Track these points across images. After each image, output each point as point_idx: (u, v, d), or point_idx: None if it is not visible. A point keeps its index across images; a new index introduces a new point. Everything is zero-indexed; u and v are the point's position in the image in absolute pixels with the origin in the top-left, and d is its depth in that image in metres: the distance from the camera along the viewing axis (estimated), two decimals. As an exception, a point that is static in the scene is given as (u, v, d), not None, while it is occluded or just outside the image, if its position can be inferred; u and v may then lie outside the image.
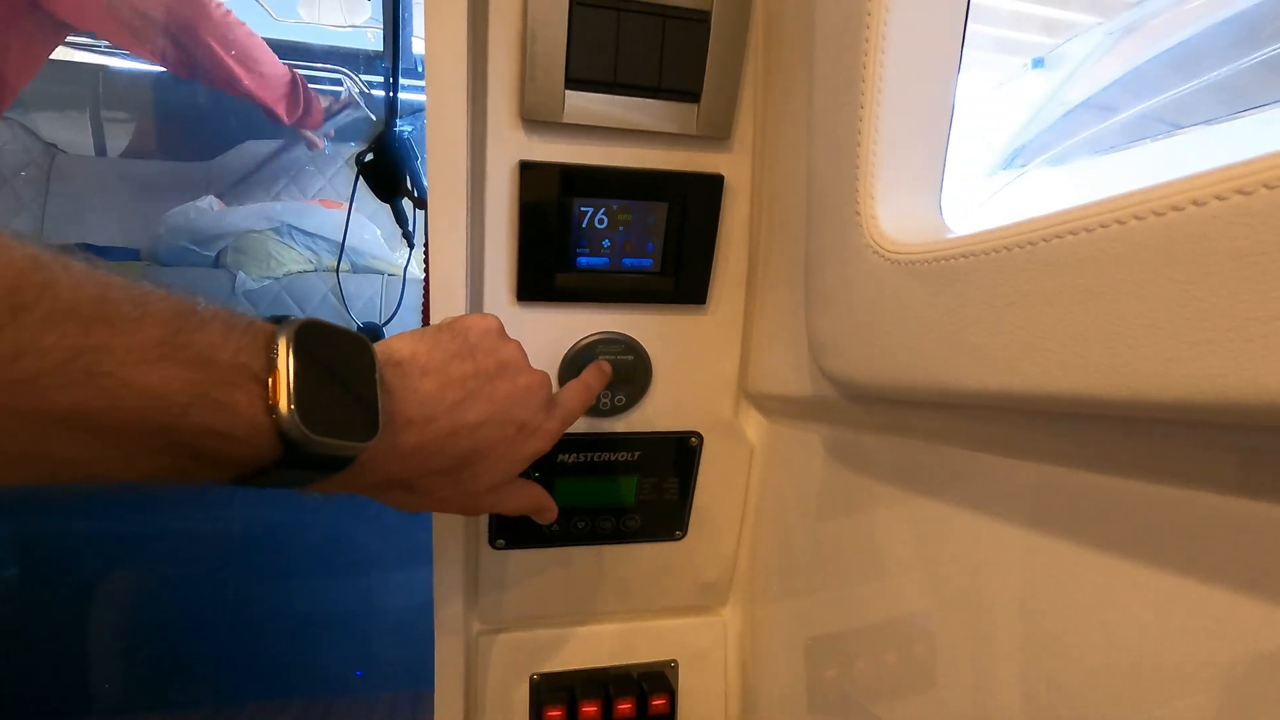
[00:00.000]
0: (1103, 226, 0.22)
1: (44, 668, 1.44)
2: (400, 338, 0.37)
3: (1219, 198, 0.18)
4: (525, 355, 0.40)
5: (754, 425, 0.56)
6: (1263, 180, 0.17)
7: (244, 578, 1.53)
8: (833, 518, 0.48)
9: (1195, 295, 0.19)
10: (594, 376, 0.47)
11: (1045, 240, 0.24)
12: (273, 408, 0.27)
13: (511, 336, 0.41)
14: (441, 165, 0.42)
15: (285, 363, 0.28)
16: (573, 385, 0.45)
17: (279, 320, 0.30)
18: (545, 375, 0.40)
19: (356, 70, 2.02)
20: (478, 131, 0.44)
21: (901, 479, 0.40)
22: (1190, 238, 0.19)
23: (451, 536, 0.52)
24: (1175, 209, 0.19)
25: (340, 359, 0.31)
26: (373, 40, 2.16)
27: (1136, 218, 0.21)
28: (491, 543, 0.54)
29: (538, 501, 0.44)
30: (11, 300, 0.21)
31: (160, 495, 1.47)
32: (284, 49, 2.02)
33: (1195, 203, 0.19)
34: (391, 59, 0.72)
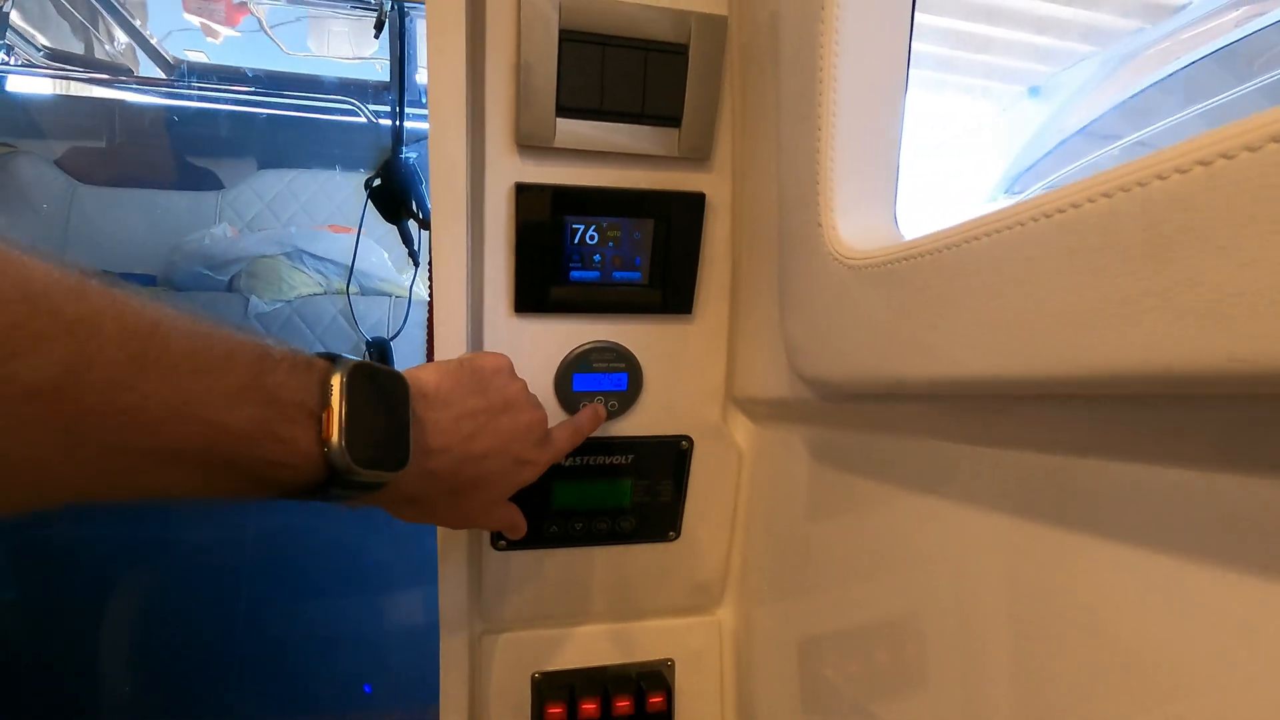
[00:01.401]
0: (1020, 225, 0.24)
1: (50, 681, 1.44)
2: (426, 369, 0.41)
3: (1105, 195, 0.21)
4: (528, 393, 0.45)
5: (741, 430, 0.58)
6: (1156, 172, 0.19)
7: (253, 589, 1.54)
8: (818, 517, 0.49)
9: (1104, 279, 0.22)
10: (587, 419, 0.50)
11: (975, 239, 0.27)
12: (325, 441, 0.31)
13: (511, 344, 0.44)
14: (443, 188, 0.45)
15: (338, 402, 0.32)
16: (565, 425, 0.48)
17: (333, 359, 0.34)
18: (543, 413, 0.45)
19: (365, 100, 2.09)
20: (476, 156, 0.47)
21: (881, 475, 0.42)
22: (1086, 230, 0.22)
23: (455, 538, 0.54)
24: (1074, 205, 0.22)
25: (381, 396, 0.35)
26: (380, 72, 2.22)
27: (1045, 215, 0.23)
28: (493, 544, 0.56)
29: (512, 520, 0.48)
30: (138, 360, 0.25)
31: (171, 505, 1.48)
32: (295, 81, 2.09)
33: (1090, 199, 0.21)
34: (398, 90, 0.75)
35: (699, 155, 0.49)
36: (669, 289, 0.52)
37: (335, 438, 0.31)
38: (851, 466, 0.44)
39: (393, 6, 0.72)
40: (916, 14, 0.38)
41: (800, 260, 0.40)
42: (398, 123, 0.78)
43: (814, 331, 0.40)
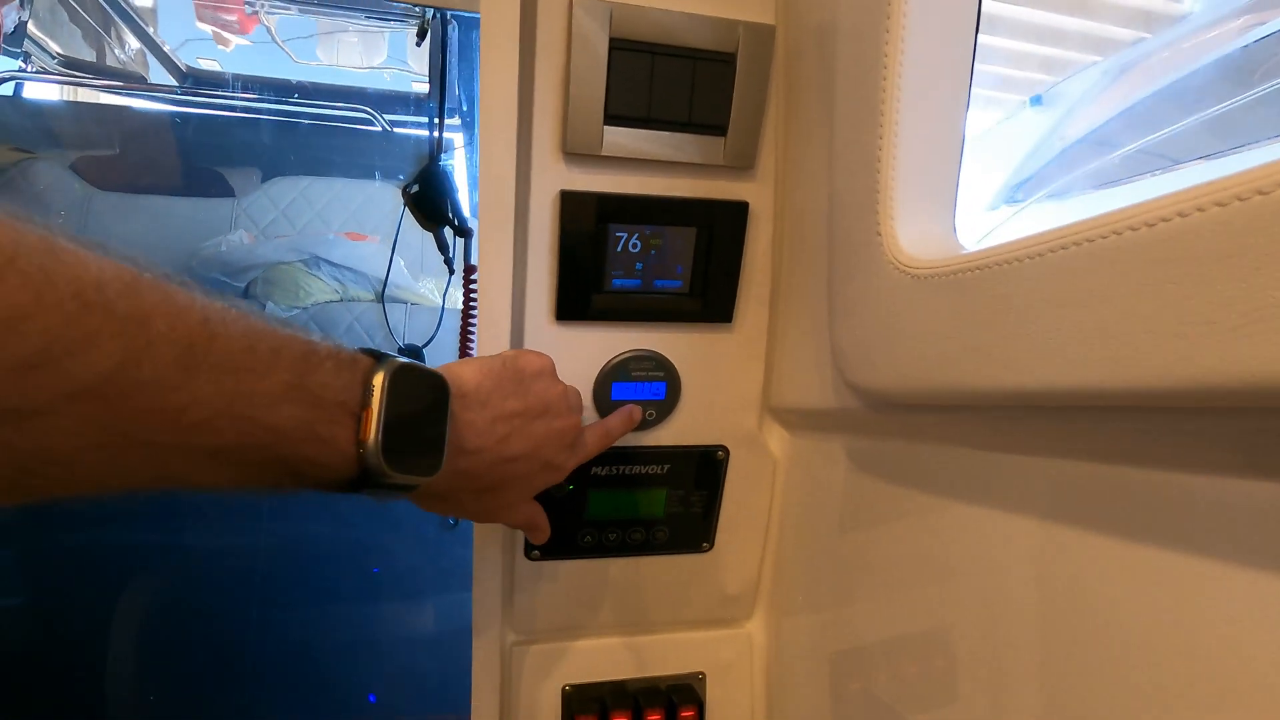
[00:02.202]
0: (1102, 238, 0.25)
1: (60, 685, 1.45)
2: (467, 365, 0.41)
3: (1200, 209, 0.22)
4: (567, 397, 0.44)
5: (777, 439, 0.58)
6: (1235, 194, 0.21)
7: (266, 593, 1.55)
8: (855, 528, 0.49)
9: (1186, 294, 0.22)
10: (619, 423, 0.51)
11: (1051, 251, 0.27)
12: (361, 442, 0.31)
13: (551, 352, 0.45)
14: (491, 196, 0.46)
15: (378, 404, 0.32)
16: (596, 428, 0.49)
17: (378, 357, 0.34)
18: (578, 419, 0.45)
19: (380, 109, 2.11)
20: (523, 164, 0.47)
21: (922, 484, 0.42)
22: (1179, 245, 0.22)
23: (490, 549, 0.54)
24: (1164, 220, 0.23)
25: (421, 399, 0.35)
26: (389, 80, 2.24)
27: (1130, 229, 0.24)
28: (527, 553, 0.56)
29: (535, 520, 0.48)
30: (187, 359, 0.25)
31: (189, 510, 1.49)
32: (307, 90, 2.11)
33: (1180, 214, 0.22)
34: (439, 100, 0.77)
35: (744, 164, 0.50)
36: (709, 297, 0.52)
37: (372, 440, 0.31)
38: (892, 475, 0.45)
39: (435, 15, 0.74)
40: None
41: (856, 269, 0.41)
42: (437, 133, 0.80)
43: (869, 341, 0.40)
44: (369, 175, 2.14)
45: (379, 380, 0.32)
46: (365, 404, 0.32)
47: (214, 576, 1.53)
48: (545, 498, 0.54)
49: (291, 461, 0.30)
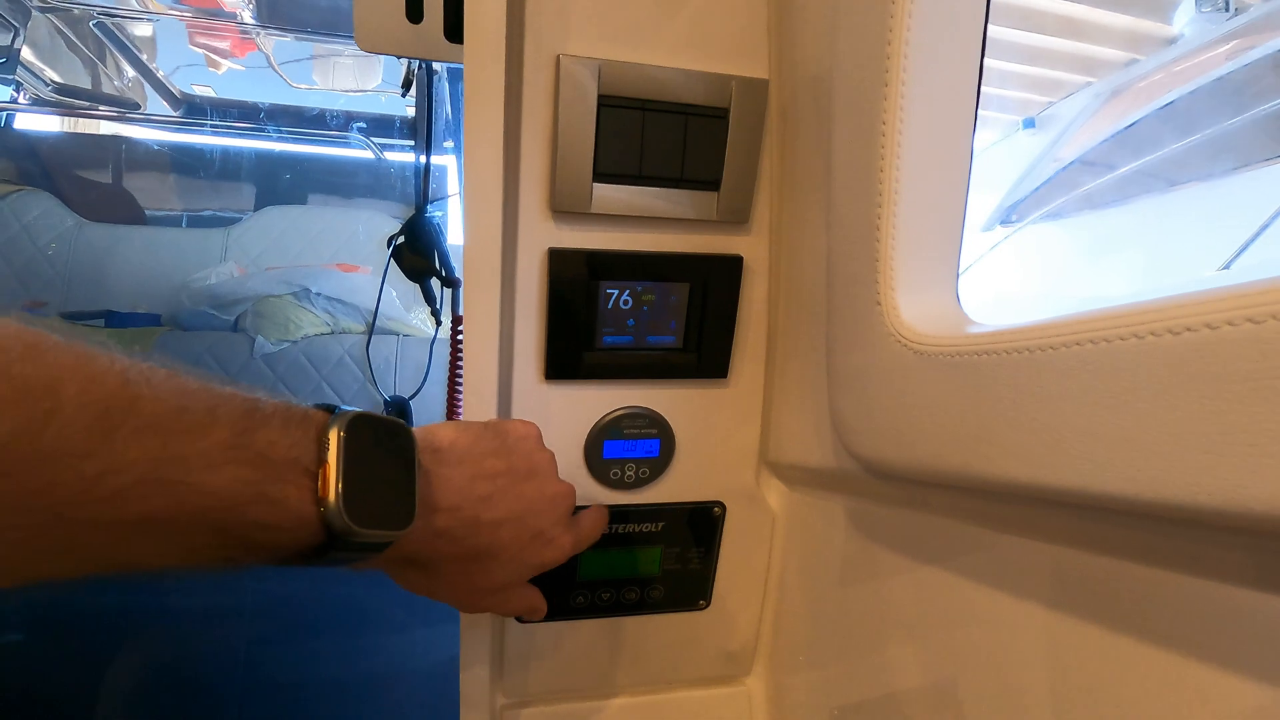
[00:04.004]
0: (1120, 339, 0.24)
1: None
2: (443, 427, 0.38)
3: (1230, 323, 0.20)
4: (556, 467, 0.42)
5: (775, 492, 0.57)
6: (1271, 311, 0.19)
7: (255, 644, 1.51)
8: (855, 586, 0.48)
9: (1215, 410, 0.21)
10: (597, 518, 0.48)
11: (1066, 346, 0.26)
12: (321, 500, 0.29)
13: (541, 411, 0.42)
14: (477, 255, 0.44)
15: (336, 458, 0.29)
16: (592, 512, 0.47)
17: (331, 411, 0.31)
18: (571, 488, 0.42)
19: (371, 135, 2.11)
20: (509, 222, 0.46)
21: (922, 553, 0.41)
22: (1205, 358, 0.21)
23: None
24: (1189, 330, 0.21)
25: (384, 451, 0.32)
26: (384, 103, 2.25)
27: (1153, 334, 0.22)
28: (517, 617, 0.54)
29: (531, 604, 0.45)
30: (103, 424, 0.23)
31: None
32: (302, 115, 2.11)
33: (1208, 325, 0.21)
34: (425, 150, 0.76)
35: (737, 218, 0.49)
36: (704, 352, 0.51)
37: (332, 497, 0.29)
38: (893, 542, 0.44)
39: (421, 66, 0.73)
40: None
41: (855, 338, 0.39)
42: (423, 184, 0.79)
43: (871, 413, 0.39)
44: (362, 203, 2.14)
45: (334, 434, 0.30)
46: (322, 460, 0.29)
47: (204, 623, 1.49)
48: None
49: (239, 529, 0.27)
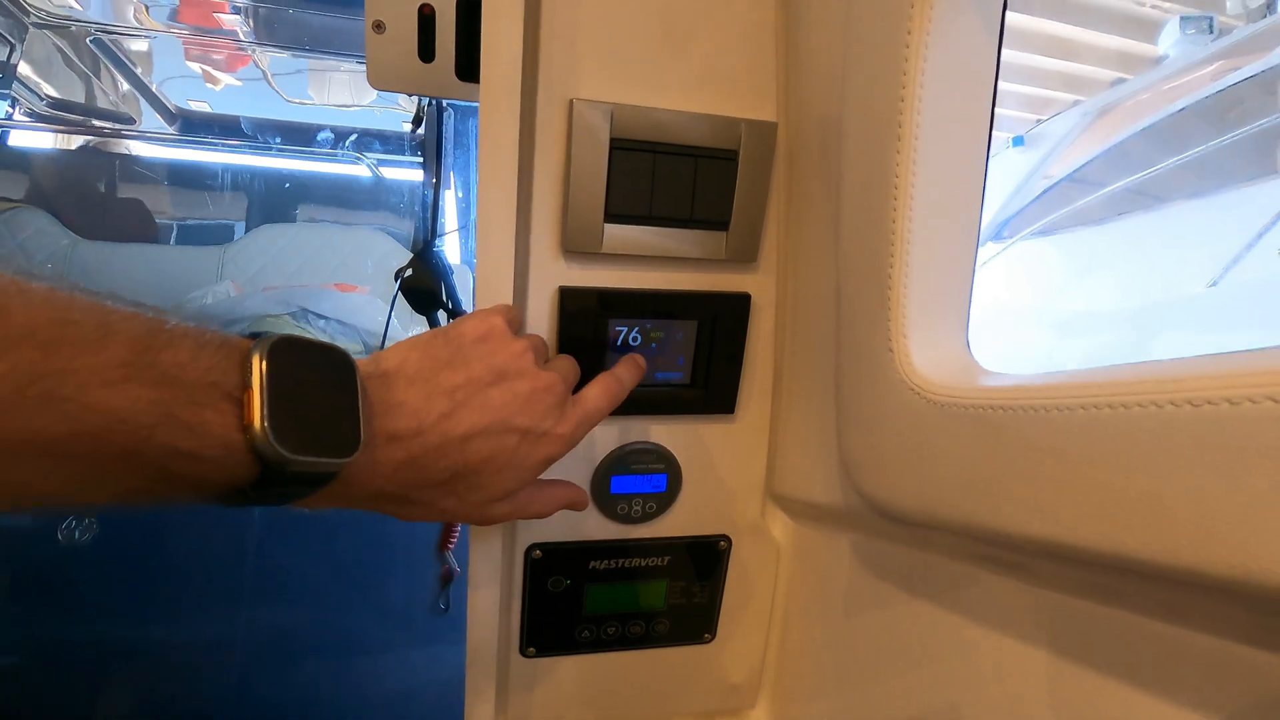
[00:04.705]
0: (1140, 406, 0.24)
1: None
2: (394, 348, 0.36)
3: (1251, 400, 0.21)
4: (526, 356, 0.38)
5: (780, 526, 0.57)
6: (1268, 393, 0.20)
7: (247, 672, 1.49)
8: (859, 620, 0.48)
9: (1235, 481, 0.21)
10: (627, 370, 0.45)
11: (1084, 408, 0.26)
12: (247, 426, 0.27)
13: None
14: (488, 291, 0.45)
15: (259, 380, 0.27)
16: (598, 380, 0.43)
17: (255, 336, 0.29)
18: (555, 376, 0.39)
19: (364, 148, 2.11)
20: (521, 260, 0.47)
21: (926, 590, 0.41)
22: (1226, 431, 0.21)
23: (483, 647, 0.52)
24: (1210, 403, 0.22)
25: (319, 374, 0.30)
26: (380, 117, 2.25)
27: (1173, 404, 0.23)
28: (522, 651, 0.54)
29: (567, 498, 0.42)
30: None
31: (165, 601, 1.43)
32: (298, 130, 2.11)
33: (1229, 400, 0.21)
34: (434, 187, 0.77)
35: (746, 257, 0.49)
36: (711, 389, 0.51)
37: (258, 421, 0.27)
38: (896, 578, 0.44)
39: (431, 103, 0.73)
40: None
41: (866, 381, 0.39)
42: (432, 218, 0.79)
43: (881, 456, 0.39)
44: (359, 220, 2.14)
45: (257, 355, 0.28)
46: (246, 384, 0.27)
47: (191, 666, 1.47)
48: (547, 566, 0.53)
49: (152, 457, 0.25)
